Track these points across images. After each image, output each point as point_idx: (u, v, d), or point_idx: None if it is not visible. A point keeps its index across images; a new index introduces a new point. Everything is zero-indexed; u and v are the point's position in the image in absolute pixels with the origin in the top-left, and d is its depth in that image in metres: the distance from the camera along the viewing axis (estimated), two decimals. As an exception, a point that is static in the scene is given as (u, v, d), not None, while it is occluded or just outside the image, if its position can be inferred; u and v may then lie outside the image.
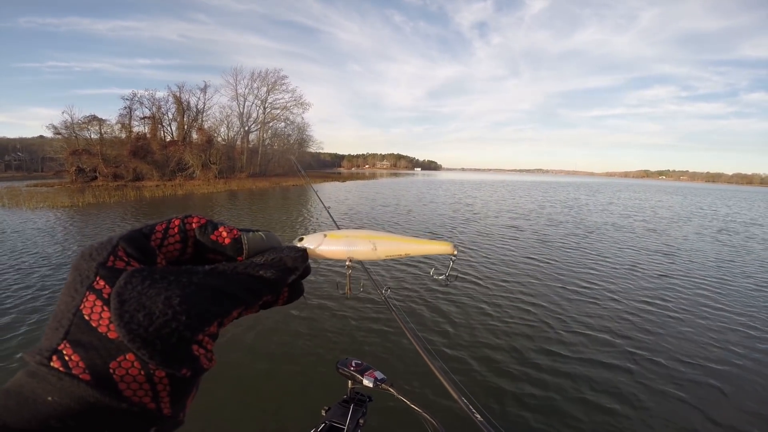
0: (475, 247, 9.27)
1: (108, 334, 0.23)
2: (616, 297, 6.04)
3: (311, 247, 0.38)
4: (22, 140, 71.37)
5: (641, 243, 10.89)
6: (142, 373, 0.24)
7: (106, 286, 0.24)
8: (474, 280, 6.65)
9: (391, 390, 1.19)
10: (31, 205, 15.57)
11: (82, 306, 0.24)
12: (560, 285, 6.54)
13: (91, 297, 0.24)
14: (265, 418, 2.95)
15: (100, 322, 0.24)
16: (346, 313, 5.06)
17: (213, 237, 0.32)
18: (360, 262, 0.45)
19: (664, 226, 14.87)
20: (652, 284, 6.81)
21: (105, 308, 0.24)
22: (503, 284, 6.49)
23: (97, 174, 32.25)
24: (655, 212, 20.56)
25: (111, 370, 0.23)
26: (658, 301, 5.91)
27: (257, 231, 0.34)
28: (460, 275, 6.71)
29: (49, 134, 34.56)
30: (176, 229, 0.31)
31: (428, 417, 1.13)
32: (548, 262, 8.03)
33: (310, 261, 0.36)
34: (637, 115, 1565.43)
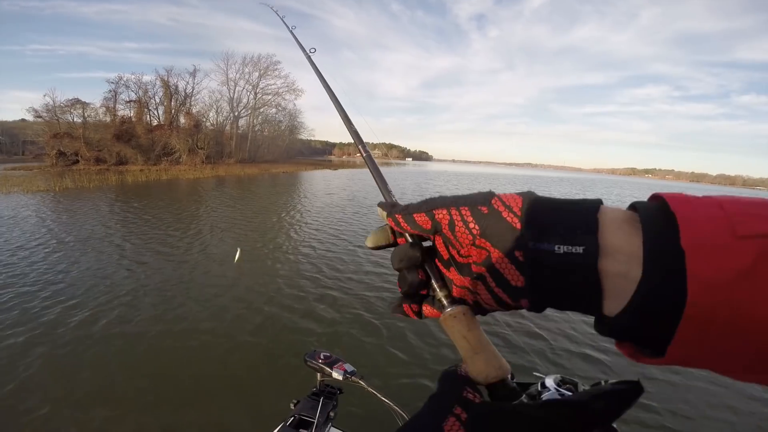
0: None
1: None
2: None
3: None
4: (2, 123, 68.69)
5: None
6: None
7: (463, 413, 0.28)
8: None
9: (362, 382, 1.15)
10: (4, 189, 14.91)
11: (445, 424, 0.28)
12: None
13: (452, 419, 0.28)
14: (231, 412, 2.86)
15: None
16: (314, 303, 4.96)
17: None
18: None
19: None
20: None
21: (462, 430, 0.28)
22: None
23: (79, 158, 31.19)
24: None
25: None
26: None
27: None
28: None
29: (30, 117, 33.32)
30: None
31: (399, 410, 1.11)
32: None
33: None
34: (628, 113, 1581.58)
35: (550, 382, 0.46)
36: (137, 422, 2.75)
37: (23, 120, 41.30)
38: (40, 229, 8.51)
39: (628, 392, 0.30)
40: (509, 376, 0.33)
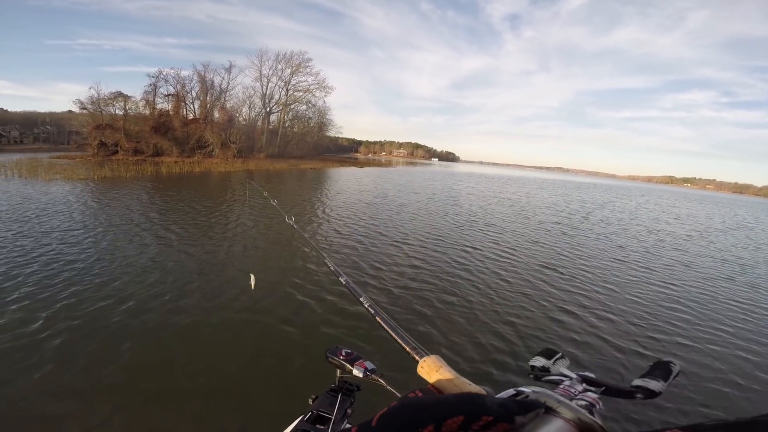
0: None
1: None
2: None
3: None
4: (51, 114, 72.93)
5: None
6: None
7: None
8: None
9: (381, 381, 1.11)
10: (47, 177, 15.52)
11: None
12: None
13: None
14: (251, 407, 2.93)
15: None
16: (334, 299, 4.93)
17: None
18: None
19: None
20: None
21: None
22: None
23: (119, 148, 32.47)
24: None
25: None
26: None
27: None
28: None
29: (76, 109, 35.03)
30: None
31: None
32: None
33: None
34: (669, 119, 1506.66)
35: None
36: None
37: (70, 111, 43.60)
38: (74, 216, 8.64)
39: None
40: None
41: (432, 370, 0.67)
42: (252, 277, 2.39)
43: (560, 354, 0.81)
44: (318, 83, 48.24)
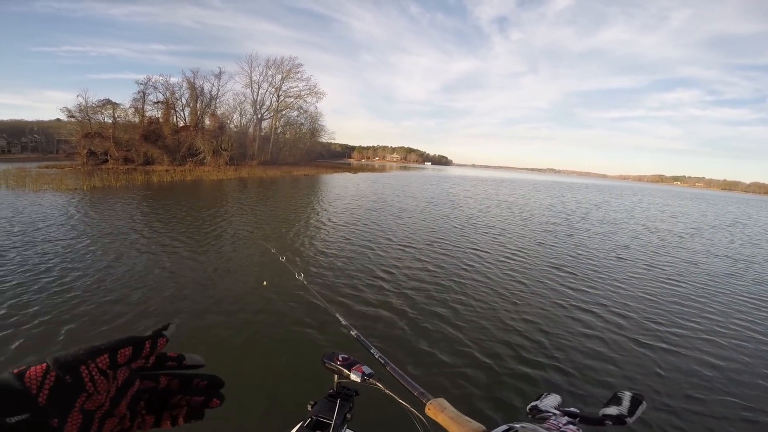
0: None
1: None
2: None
3: None
4: (39, 123, 71.86)
5: None
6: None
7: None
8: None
9: (379, 385, 1.12)
10: (35, 187, 15.09)
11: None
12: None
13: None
14: (250, 413, 2.87)
15: None
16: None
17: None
18: None
19: None
20: None
21: None
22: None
23: (108, 157, 31.96)
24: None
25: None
26: None
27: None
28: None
29: (63, 117, 34.43)
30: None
31: (417, 413, 1.07)
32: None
33: None
34: (656, 118, 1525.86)
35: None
36: None
37: (58, 120, 42.94)
38: (55, 228, 8.31)
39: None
40: None
41: (438, 411, 0.81)
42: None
43: (547, 393, 0.89)
44: (309, 89, 48.12)
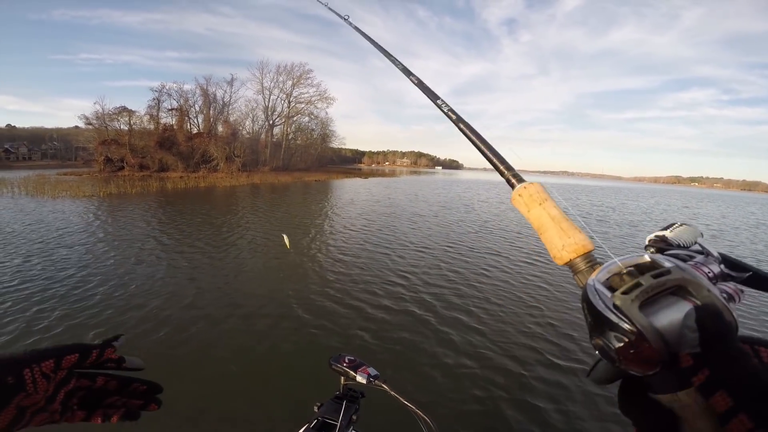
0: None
1: None
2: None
3: None
4: (58, 130, 73.91)
5: None
6: None
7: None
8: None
9: (385, 386, 1.14)
10: (54, 193, 15.40)
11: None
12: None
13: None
14: (257, 414, 2.90)
15: None
16: (337, 307, 4.71)
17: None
18: None
19: None
20: None
21: None
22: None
23: (124, 164, 32.56)
24: None
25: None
26: None
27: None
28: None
29: (81, 124, 35.29)
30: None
31: (422, 414, 1.11)
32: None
33: None
34: (671, 118, 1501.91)
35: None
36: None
37: (76, 127, 44.04)
38: (70, 235, 8.42)
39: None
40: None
41: (533, 202, 0.49)
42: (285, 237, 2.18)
43: (679, 223, 0.50)
44: (319, 94, 48.48)
